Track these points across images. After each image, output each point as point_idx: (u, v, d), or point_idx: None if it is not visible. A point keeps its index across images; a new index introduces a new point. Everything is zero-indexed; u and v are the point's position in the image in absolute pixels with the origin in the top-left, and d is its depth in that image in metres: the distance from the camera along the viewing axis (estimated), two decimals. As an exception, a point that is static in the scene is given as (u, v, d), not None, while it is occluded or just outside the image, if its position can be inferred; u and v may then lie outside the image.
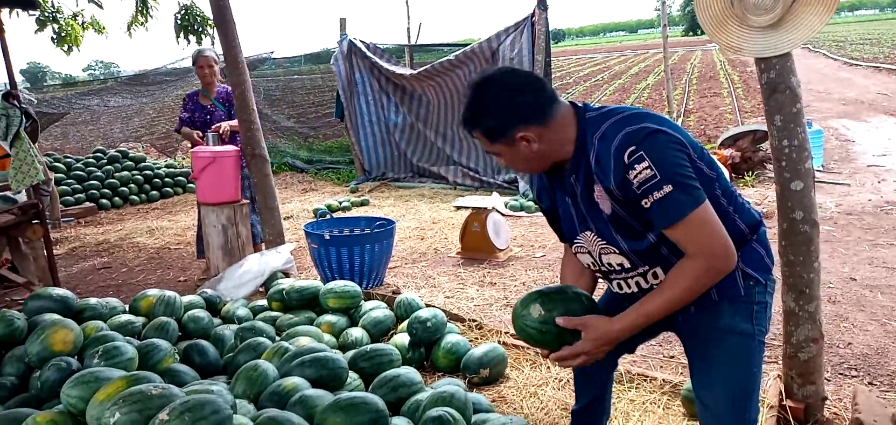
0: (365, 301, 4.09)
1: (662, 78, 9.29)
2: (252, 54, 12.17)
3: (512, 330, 3.83)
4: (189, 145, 6.08)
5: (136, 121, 12.55)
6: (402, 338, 3.58)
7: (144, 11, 7.96)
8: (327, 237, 4.80)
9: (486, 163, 9.30)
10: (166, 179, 10.57)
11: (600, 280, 2.19)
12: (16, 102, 4.89)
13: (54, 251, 5.69)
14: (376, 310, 3.89)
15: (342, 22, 10.23)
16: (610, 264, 2.00)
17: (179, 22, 7.84)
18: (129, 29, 8.03)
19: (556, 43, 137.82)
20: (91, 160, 10.39)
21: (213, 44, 10.78)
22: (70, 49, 8.12)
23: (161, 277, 5.96)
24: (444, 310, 3.86)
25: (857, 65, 23.84)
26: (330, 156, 11.99)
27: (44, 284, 5.00)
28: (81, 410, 2.34)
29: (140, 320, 3.59)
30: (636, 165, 1.70)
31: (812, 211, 2.60)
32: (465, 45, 9.20)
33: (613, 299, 2.16)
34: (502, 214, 6.74)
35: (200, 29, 7.99)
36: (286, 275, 4.88)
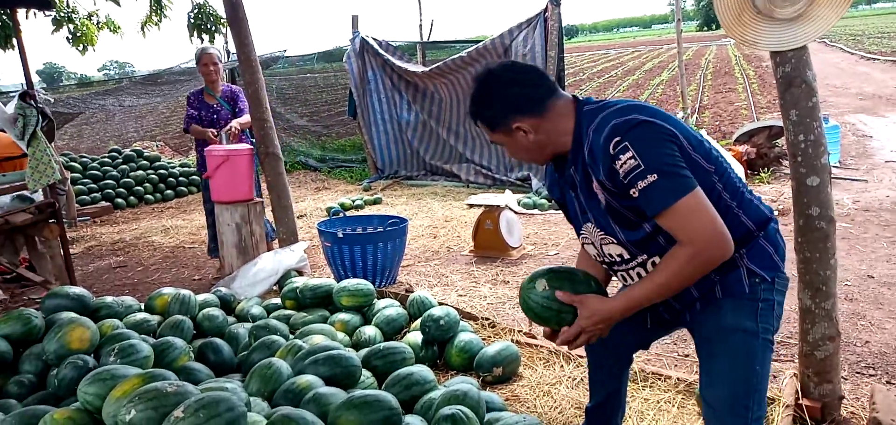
0: (378, 299, 4.10)
1: (677, 74, 9.22)
2: (265, 53, 12.22)
3: (525, 329, 3.84)
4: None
5: (151, 119, 12.66)
6: (416, 337, 3.59)
7: (158, 11, 8.02)
8: (340, 235, 4.81)
9: (499, 161, 9.29)
10: (181, 178, 10.64)
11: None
12: (32, 102, 4.94)
13: (71, 250, 5.75)
14: (389, 308, 3.90)
15: (354, 19, 10.24)
16: (611, 255, 2.02)
17: (193, 21, 7.88)
18: (142, 28, 8.09)
19: (570, 39, 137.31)
20: (106, 159, 10.49)
21: (226, 42, 10.86)
22: (85, 49, 8.20)
23: (176, 276, 6.01)
24: (456, 309, 3.87)
25: (875, 59, 23.55)
26: (343, 155, 12.02)
27: (60, 283, 5.06)
28: (98, 408, 2.37)
29: (155, 318, 3.62)
30: (621, 156, 1.74)
31: (828, 207, 2.57)
32: (478, 41, 9.18)
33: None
34: (515, 212, 6.73)
35: (214, 27, 8.04)
36: (300, 273, 4.90)
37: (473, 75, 2.17)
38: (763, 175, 7.88)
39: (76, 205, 8.86)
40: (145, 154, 10.87)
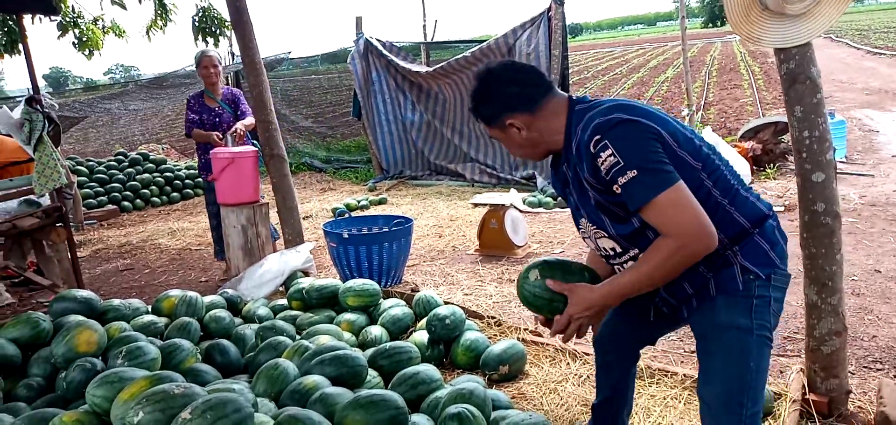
0: (384, 299, 4.11)
1: (682, 71, 9.20)
2: (270, 55, 12.25)
3: (531, 327, 3.85)
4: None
5: (156, 122, 12.71)
6: (422, 336, 3.59)
7: (163, 15, 8.04)
8: (346, 236, 4.82)
9: (504, 160, 9.29)
10: (187, 181, 10.68)
11: None
12: (38, 107, 4.97)
13: (78, 253, 5.78)
14: (395, 307, 3.91)
15: (358, 21, 10.26)
16: (605, 249, 2.06)
17: (197, 24, 7.90)
18: (147, 32, 8.11)
19: (574, 37, 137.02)
20: (113, 163, 10.53)
21: (230, 45, 10.90)
22: (91, 53, 8.23)
23: (183, 278, 6.03)
24: (462, 308, 3.87)
25: (881, 54, 23.43)
26: (348, 156, 12.04)
27: (68, 286, 5.09)
28: (106, 410, 2.38)
29: (162, 320, 3.63)
30: (602, 153, 1.80)
31: (834, 202, 2.57)
32: (482, 41, 9.19)
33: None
34: (520, 211, 6.73)
35: (218, 31, 8.05)
36: (306, 274, 4.91)
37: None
38: (769, 171, 7.86)
39: (83, 208, 8.89)
40: (151, 157, 10.92)
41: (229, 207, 5.16)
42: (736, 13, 2.56)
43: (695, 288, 1.96)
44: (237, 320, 3.89)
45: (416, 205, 8.41)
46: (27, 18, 6.39)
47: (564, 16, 8.14)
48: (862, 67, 20.33)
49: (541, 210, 7.37)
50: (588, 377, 3.26)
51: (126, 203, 9.78)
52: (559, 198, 7.01)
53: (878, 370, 3.26)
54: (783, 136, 8.21)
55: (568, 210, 2.26)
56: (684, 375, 3.13)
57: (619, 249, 2.01)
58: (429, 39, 10.70)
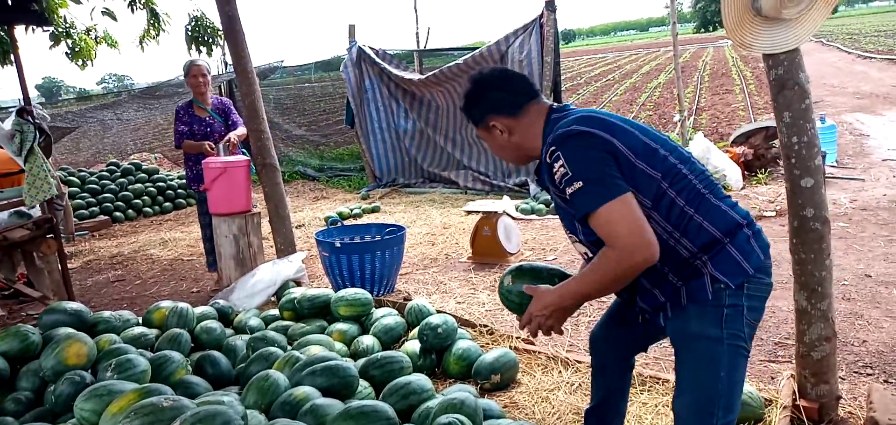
0: (376, 308, 4.10)
1: (674, 76, 9.23)
2: (262, 63, 12.24)
3: (523, 336, 3.85)
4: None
5: (148, 131, 12.67)
6: (414, 345, 3.58)
7: (156, 24, 8.02)
8: (338, 245, 4.81)
9: (496, 167, 9.30)
10: (179, 191, 10.64)
11: None
12: (29, 118, 4.96)
13: (69, 265, 5.75)
14: (387, 317, 3.90)
15: (351, 28, 10.27)
16: (581, 253, 2.13)
17: (190, 33, 7.88)
18: (140, 43, 8.09)
19: (567, 43, 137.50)
20: (105, 173, 10.49)
21: (223, 54, 10.89)
22: (84, 64, 8.19)
23: (174, 288, 6.01)
24: (455, 316, 3.86)
25: (871, 58, 23.59)
26: (341, 164, 12.03)
27: (58, 298, 5.06)
28: (94, 423, 2.37)
29: (153, 332, 3.61)
30: (555, 164, 1.90)
31: (822, 208, 2.58)
32: (474, 48, 9.20)
33: (618, 302, 2.31)
34: (513, 218, 6.74)
35: (211, 40, 8.03)
36: (298, 283, 4.90)
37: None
38: (761, 176, 7.89)
39: (74, 219, 8.87)
40: (143, 167, 10.88)
41: (221, 217, 5.15)
42: (731, 19, 2.58)
43: (666, 296, 1.98)
44: (228, 331, 3.88)
45: (409, 212, 8.40)
46: (20, 29, 6.37)
47: (556, 22, 8.18)
48: (852, 71, 20.47)
49: (534, 217, 7.38)
50: (580, 385, 3.26)
51: (118, 213, 9.73)
52: (552, 205, 7.03)
53: (868, 375, 3.27)
54: (774, 141, 8.25)
55: (561, 216, 2.30)
56: (676, 382, 3.13)
57: (590, 254, 2.06)
58: (422, 47, 10.71)
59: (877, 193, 6.75)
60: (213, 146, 5.34)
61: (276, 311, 4.22)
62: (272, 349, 3.30)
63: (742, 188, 7.57)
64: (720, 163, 7.73)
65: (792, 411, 2.72)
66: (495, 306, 4.67)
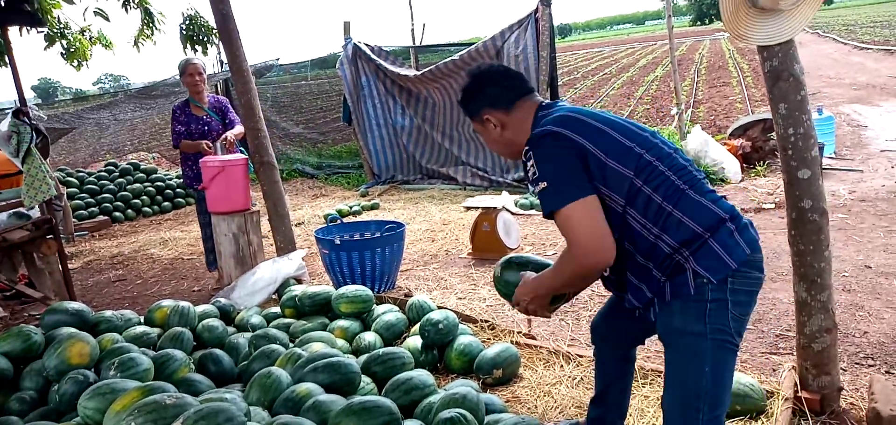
0: (377, 305, 4.11)
1: (671, 69, 9.26)
2: (258, 62, 12.22)
3: (525, 330, 3.86)
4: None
5: (145, 130, 12.64)
6: (415, 341, 3.59)
7: (150, 24, 8.00)
8: (338, 242, 4.82)
9: (495, 163, 9.30)
10: (178, 190, 10.64)
11: None
12: (26, 119, 4.95)
13: (69, 265, 5.75)
14: (388, 313, 3.91)
15: (346, 25, 10.25)
16: None
17: (185, 32, 7.86)
18: (136, 43, 8.07)
19: (563, 38, 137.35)
20: (103, 173, 10.49)
21: (219, 53, 10.86)
22: (79, 64, 8.17)
23: (175, 288, 6.01)
24: (456, 312, 3.87)
25: (868, 48, 23.59)
26: (339, 161, 12.03)
27: (60, 298, 5.06)
28: (98, 422, 2.38)
29: (155, 331, 3.62)
30: (528, 163, 2.00)
31: (820, 199, 2.58)
32: (470, 44, 9.19)
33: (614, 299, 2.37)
34: (512, 213, 6.75)
35: (206, 39, 8.01)
36: (298, 281, 4.91)
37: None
38: (759, 168, 7.90)
39: (74, 220, 8.86)
40: (142, 166, 10.88)
41: (220, 216, 5.15)
42: (728, 11, 2.59)
43: (653, 292, 1.99)
44: (230, 329, 3.88)
45: (408, 209, 8.41)
46: (14, 30, 6.35)
47: (552, 17, 8.16)
48: (849, 63, 20.47)
49: (533, 212, 7.39)
50: (582, 379, 3.27)
51: (117, 213, 9.73)
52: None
53: (869, 366, 3.28)
54: (772, 134, 8.24)
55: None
56: (677, 374, 3.14)
57: None
58: (417, 43, 10.70)
59: (875, 184, 6.77)
60: (211, 145, 5.33)
61: (277, 309, 4.23)
62: (274, 346, 3.31)
63: (741, 181, 7.58)
64: (718, 157, 7.74)
65: (794, 403, 2.74)
66: (496, 301, 4.68)
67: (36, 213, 5.35)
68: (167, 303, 3.87)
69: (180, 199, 10.56)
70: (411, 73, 9.73)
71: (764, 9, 2.50)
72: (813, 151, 2.57)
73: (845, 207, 6.04)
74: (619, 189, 1.93)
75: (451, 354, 3.51)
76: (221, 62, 11.16)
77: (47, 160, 5.31)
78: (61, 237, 5.36)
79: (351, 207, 8.40)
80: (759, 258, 1.96)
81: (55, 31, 7.78)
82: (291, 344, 3.50)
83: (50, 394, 2.89)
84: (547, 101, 2.20)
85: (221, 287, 5.25)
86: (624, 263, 2.03)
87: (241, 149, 5.69)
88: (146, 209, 10.12)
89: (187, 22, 7.80)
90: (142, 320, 3.83)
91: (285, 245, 5.31)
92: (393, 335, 3.78)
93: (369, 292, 4.04)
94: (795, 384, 2.81)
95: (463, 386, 2.80)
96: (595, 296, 4.45)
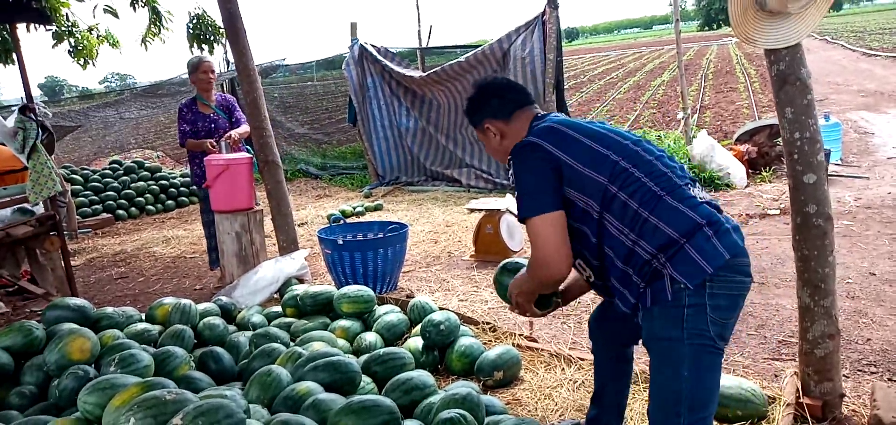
0: (379, 305, 4.10)
1: (677, 74, 9.23)
2: (264, 62, 12.24)
3: (526, 333, 3.85)
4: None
5: (150, 129, 12.68)
6: (416, 342, 3.58)
7: (158, 23, 8.02)
8: (340, 242, 4.81)
9: (499, 166, 9.28)
10: (182, 189, 10.67)
11: None
12: (32, 116, 4.97)
13: (72, 262, 5.76)
14: (390, 314, 3.90)
15: (353, 26, 10.26)
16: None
17: (192, 31, 7.89)
18: (143, 41, 8.10)
19: (570, 41, 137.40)
20: (108, 171, 10.52)
21: (225, 52, 10.89)
22: (86, 62, 8.22)
23: (177, 286, 6.01)
24: (457, 313, 3.86)
25: (876, 55, 23.49)
26: (344, 162, 12.03)
27: (62, 294, 5.07)
28: (98, 416, 2.37)
29: (156, 328, 3.62)
30: (511, 172, 2.12)
31: (825, 204, 2.57)
32: (476, 46, 9.18)
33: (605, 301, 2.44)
34: (516, 216, 6.72)
35: (213, 38, 8.04)
36: (300, 281, 4.90)
37: (472, 81, 2.40)
38: (765, 174, 7.86)
39: (77, 217, 8.89)
40: (146, 165, 10.91)
41: (224, 214, 5.15)
42: (737, 13, 2.58)
43: (635, 297, 2.02)
44: (231, 327, 3.88)
45: (412, 210, 8.40)
46: (22, 27, 6.39)
47: (559, 20, 8.15)
48: (858, 69, 20.39)
49: (536, 214, 7.36)
50: (583, 382, 3.26)
51: (121, 211, 9.76)
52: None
53: (872, 373, 3.26)
54: (778, 139, 8.22)
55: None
56: (679, 379, 3.12)
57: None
58: (424, 45, 10.70)
59: (881, 192, 6.73)
60: (215, 144, 5.34)
61: (278, 308, 4.23)
62: (275, 345, 3.30)
63: (746, 186, 7.55)
64: (724, 162, 7.71)
65: (795, 408, 2.72)
66: (498, 304, 4.67)
67: (40, 209, 5.36)
68: (169, 300, 3.87)
69: (184, 198, 10.59)
70: (417, 74, 9.73)
71: (772, 12, 2.49)
72: (819, 156, 2.55)
73: (851, 214, 6.01)
74: (595, 196, 2.00)
75: (451, 355, 3.50)
76: (228, 61, 11.19)
77: (52, 157, 5.33)
78: (64, 234, 5.37)
79: (354, 208, 8.40)
80: (744, 262, 1.94)
81: (63, 28, 7.81)
82: (292, 344, 3.49)
83: (50, 389, 2.90)
84: (543, 111, 2.29)
85: (223, 285, 5.25)
86: (607, 270, 2.07)
87: (247, 147, 5.70)
88: (149, 207, 10.14)
89: (195, 21, 7.82)
90: (143, 317, 3.84)
91: (288, 244, 5.31)
92: (394, 335, 3.78)
93: (371, 292, 4.04)
94: (797, 390, 2.79)
95: (463, 387, 2.79)
96: (598, 300, 4.43)
